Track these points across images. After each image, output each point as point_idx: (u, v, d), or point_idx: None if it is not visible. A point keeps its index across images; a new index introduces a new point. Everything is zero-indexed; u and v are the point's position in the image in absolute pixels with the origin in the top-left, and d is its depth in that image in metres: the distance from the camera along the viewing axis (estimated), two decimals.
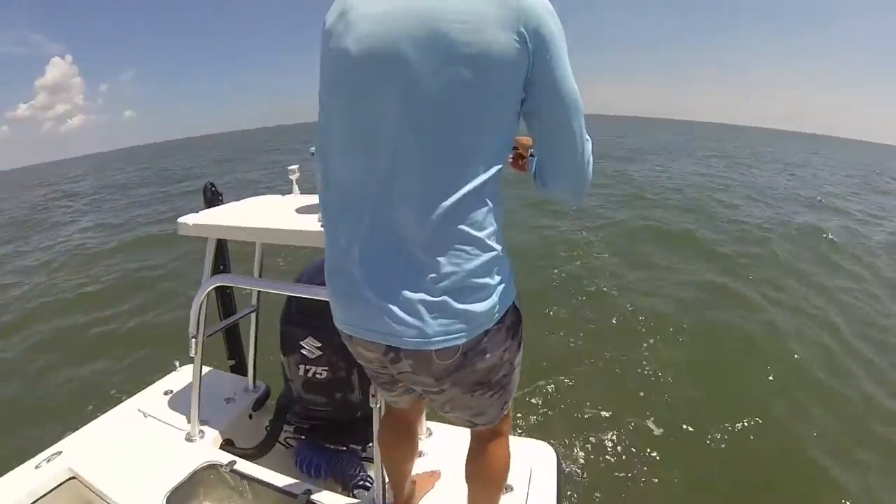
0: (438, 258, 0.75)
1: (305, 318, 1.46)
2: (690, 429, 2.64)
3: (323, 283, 0.90)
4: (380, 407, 1.24)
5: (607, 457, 2.46)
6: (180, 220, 1.42)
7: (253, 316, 1.83)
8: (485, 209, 0.77)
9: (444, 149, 0.73)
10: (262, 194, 1.76)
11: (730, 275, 5.16)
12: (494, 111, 0.74)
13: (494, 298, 0.80)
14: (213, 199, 1.69)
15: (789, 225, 7.62)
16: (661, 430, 2.65)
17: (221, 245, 1.67)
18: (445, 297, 0.75)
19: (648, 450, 2.48)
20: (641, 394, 2.98)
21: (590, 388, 3.01)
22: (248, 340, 1.90)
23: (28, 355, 4.00)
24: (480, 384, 0.89)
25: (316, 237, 1.16)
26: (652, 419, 2.72)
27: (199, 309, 1.41)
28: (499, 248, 0.80)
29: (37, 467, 1.37)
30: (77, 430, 1.57)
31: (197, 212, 1.50)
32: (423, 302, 0.75)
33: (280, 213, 1.42)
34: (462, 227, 0.75)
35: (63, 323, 4.64)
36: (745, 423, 2.68)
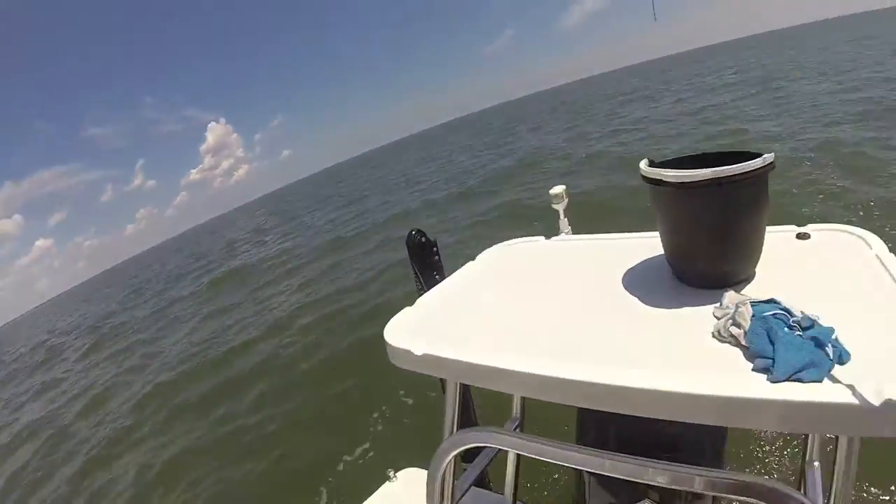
0: None
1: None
2: None
3: None
4: None
5: None
6: (392, 338, 0.92)
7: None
8: None
9: None
10: (498, 230, 1.27)
11: None
12: None
13: None
14: (423, 252, 1.24)
15: None
16: None
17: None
18: None
19: None
20: None
21: None
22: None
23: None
24: None
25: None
26: None
27: (442, 481, 0.95)
28: None
29: None
30: None
31: (416, 295, 1.04)
32: None
33: (601, 313, 0.84)
34: None
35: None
36: None
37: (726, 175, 0.72)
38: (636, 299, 0.85)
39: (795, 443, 2.34)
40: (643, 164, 0.86)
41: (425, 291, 1.14)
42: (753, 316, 0.69)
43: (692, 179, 0.73)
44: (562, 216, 1.21)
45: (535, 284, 1.04)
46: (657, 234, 1.04)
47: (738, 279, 0.83)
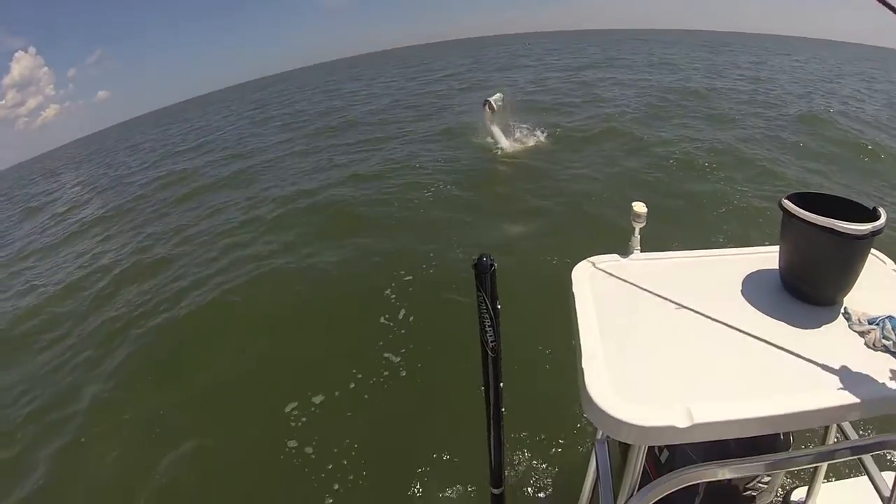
0: None
1: None
2: None
3: None
4: None
5: None
6: (624, 413, 0.85)
7: None
8: None
9: None
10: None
11: None
12: None
13: None
14: (493, 282, 1.10)
15: None
16: None
17: None
18: None
19: None
20: None
21: None
22: None
23: None
24: None
25: None
26: None
27: None
28: None
29: None
30: None
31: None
32: None
33: None
34: None
35: None
36: None
37: (880, 227, 0.96)
38: (784, 324, 1.07)
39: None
40: (791, 204, 1.05)
41: (493, 327, 1.13)
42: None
43: (869, 231, 0.95)
44: (637, 233, 1.33)
45: (675, 309, 1.12)
46: (738, 250, 1.32)
47: (842, 298, 1.12)
